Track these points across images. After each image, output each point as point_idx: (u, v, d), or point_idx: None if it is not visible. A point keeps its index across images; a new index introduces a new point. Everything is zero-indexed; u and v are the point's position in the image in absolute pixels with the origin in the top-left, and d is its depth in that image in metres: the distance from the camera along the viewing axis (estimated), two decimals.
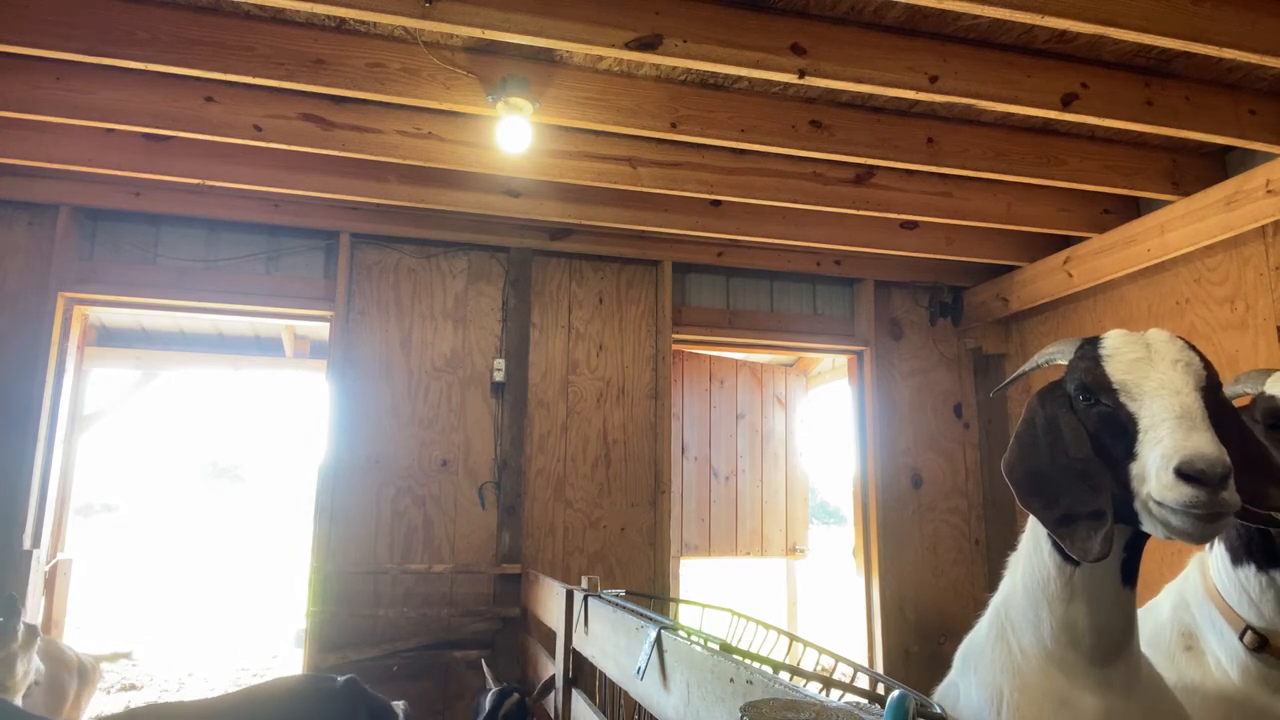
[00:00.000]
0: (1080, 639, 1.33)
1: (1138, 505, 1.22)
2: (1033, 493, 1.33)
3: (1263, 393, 1.67)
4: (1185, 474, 1.13)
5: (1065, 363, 1.42)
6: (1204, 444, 1.15)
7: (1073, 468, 1.31)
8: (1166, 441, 1.18)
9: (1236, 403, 1.75)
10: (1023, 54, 3.27)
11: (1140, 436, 1.23)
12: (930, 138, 3.79)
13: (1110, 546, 1.22)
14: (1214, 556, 1.72)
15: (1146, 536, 1.29)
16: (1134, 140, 3.98)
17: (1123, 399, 1.28)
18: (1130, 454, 1.24)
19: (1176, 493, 1.14)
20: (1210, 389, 1.27)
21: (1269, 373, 1.70)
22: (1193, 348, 1.31)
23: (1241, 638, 1.60)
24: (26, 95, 3.35)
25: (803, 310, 5.53)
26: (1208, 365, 1.30)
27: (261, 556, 18.67)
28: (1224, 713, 1.60)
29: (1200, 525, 1.14)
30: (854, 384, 5.54)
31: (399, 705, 3.07)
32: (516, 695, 3.19)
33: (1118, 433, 1.27)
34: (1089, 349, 1.36)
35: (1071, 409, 1.36)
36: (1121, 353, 1.32)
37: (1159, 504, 1.17)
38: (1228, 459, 1.13)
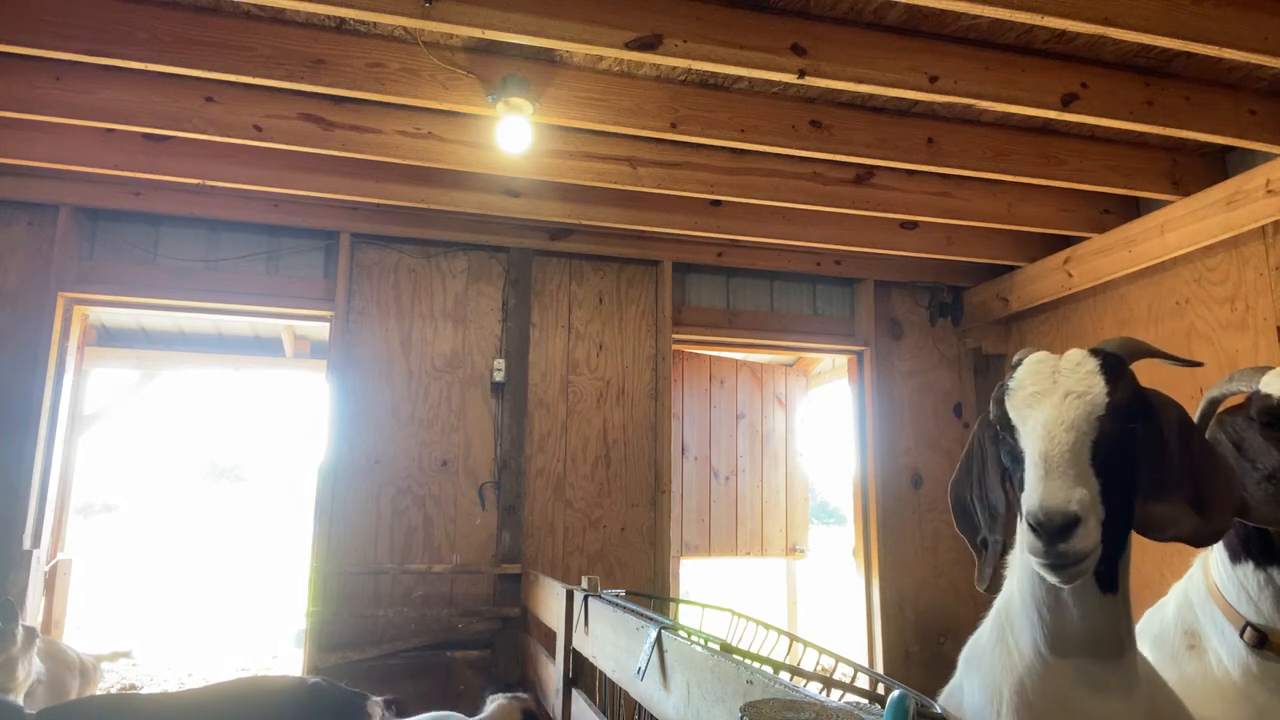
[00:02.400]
0: (1072, 642, 1.33)
1: None
2: (959, 517, 1.39)
3: (1257, 391, 1.66)
4: (1030, 524, 1.14)
5: None
6: (1048, 495, 1.14)
7: (985, 498, 1.35)
8: (1027, 488, 1.19)
9: (1230, 401, 1.75)
10: (1023, 54, 3.27)
11: (1025, 477, 1.24)
12: (930, 138, 3.79)
13: (989, 581, 1.25)
14: (1214, 555, 1.72)
15: (1120, 547, 1.30)
16: (1134, 140, 3.98)
17: (1017, 436, 1.29)
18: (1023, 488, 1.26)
19: (1027, 538, 1.16)
20: (1112, 414, 1.23)
21: (1263, 370, 1.70)
22: (1103, 369, 1.26)
23: (1241, 635, 1.60)
24: (26, 95, 3.35)
25: (803, 310, 5.53)
26: (1114, 387, 1.25)
27: (262, 556, 18.66)
28: (1224, 710, 1.60)
29: (1050, 572, 1.16)
30: (854, 384, 5.54)
31: (377, 702, 3.08)
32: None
33: (1017, 467, 1.29)
34: (1007, 380, 1.35)
35: (995, 439, 1.38)
36: (1025, 386, 1.30)
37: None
38: (1071, 508, 1.12)
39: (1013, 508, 1.29)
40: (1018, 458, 1.27)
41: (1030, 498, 1.16)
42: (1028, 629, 1.39)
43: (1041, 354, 1.34)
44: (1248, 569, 1.61)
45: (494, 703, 3.22)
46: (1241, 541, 1.63)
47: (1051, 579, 1.17)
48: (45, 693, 3.45)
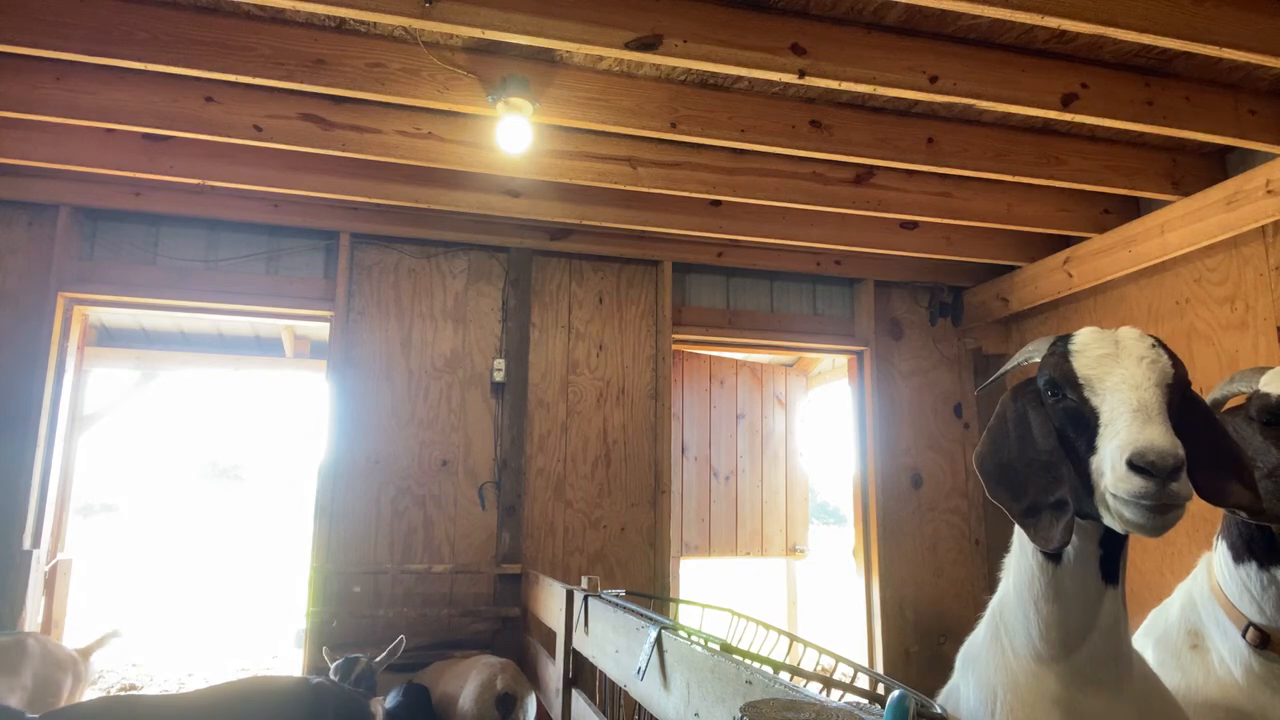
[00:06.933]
0: (1067, 638, 1.34)
1: (1097, 498, 1.24)
2: (1001, 484, 1.36)
3: (1257, 390, 1.67)
4: (1136, 465, 1.16)
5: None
6: (1156, 436, 1.17)
7: (1038, 460, 1.34)
8: (1122, 434, 1.21)
9: (1232, 402, 1.75)
10: (1023, 54, 3.27)
11: (1100, 430, 1.26)
12: (930, 138, 3.79)
13: (1069, 535, 1.25)
14: (1217, 555, 1.72)
15: (1124, 534, 1.30)
16: (1134, 140, 3.98)
17: (1086, 394, 1.30)
18: (1091, 447, 1.27)
19: (1129, 483, 1.17)
20: (1176, 386, 1.29)
21: (1263, 371, 1.70)
22: (1161, 346, 1.33)
23: (1244, 635, 1.60)
24: (26, 95, 3.35)
25: (803, 310, 5.53)
26: (1176, 363, 1.32)
27: (262, 556, 18.66)
28: (1225, 710, 1.60)
29: (1151, 516, 1.17)
30: (854, 384, 5.54)
31: (379, 701, 3.09)
32: (363, 660, 3.35)
33: (1081, 426, 1.30)
34: (1059, 345, 1.39)
35: (1041, 404, 1.39)
36: (1089, 349, 1.34)
37: (1114, 496, 1.20)
38: (1180, 451, 1.16)
39: (1075, 466, 1.29)
40: (1085, 415, 1.29)
41: (1136, 441, 1.17)
42: (1022, 627, 1.39)
43: (1092, 328, 1.39)
44: (1251, 569, 1.61)
45: (336, 665, 3.40)
46: (1244, 541, 1.63)
47: (1149, 525, 1.17)
48: (36, 694, 3.41)
